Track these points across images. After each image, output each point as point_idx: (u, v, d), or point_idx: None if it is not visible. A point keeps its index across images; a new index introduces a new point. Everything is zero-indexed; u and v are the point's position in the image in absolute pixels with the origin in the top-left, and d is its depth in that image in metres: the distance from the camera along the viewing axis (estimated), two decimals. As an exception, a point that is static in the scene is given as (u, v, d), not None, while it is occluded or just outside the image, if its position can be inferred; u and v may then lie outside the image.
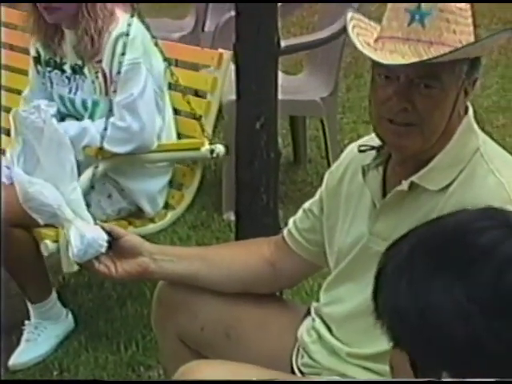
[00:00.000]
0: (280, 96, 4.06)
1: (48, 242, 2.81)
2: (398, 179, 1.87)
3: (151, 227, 3.15)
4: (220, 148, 3.11)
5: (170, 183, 3.22)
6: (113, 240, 2.09)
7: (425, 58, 1.73)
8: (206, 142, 3.10)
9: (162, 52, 3.03)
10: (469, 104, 1.89)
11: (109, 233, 2.09)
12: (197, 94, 3.43)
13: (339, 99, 4.60)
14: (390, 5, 1.82)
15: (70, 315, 3.20)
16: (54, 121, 2.58)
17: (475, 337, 0.99)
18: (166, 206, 3.21)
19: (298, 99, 4.17)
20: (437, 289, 1.02)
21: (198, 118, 3.10)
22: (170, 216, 3.20)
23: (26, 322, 3.14)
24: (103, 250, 2.06)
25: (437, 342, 1.01)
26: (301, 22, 6.45)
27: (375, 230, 1.90)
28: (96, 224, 2.19)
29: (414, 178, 1.83)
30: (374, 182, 1.92)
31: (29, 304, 3.12)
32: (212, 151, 3.09)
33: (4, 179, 3.05)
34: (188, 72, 3.28)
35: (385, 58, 1.76)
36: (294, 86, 4.25)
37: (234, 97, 2.89)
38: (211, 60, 3.18)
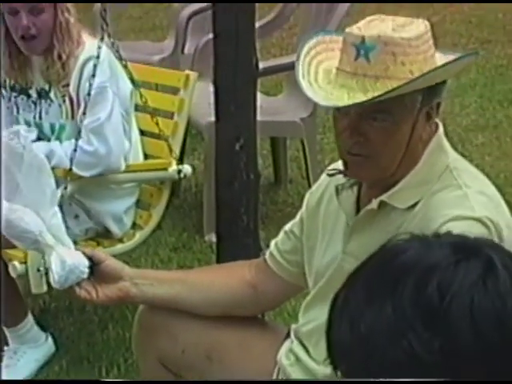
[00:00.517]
0: (260, 117, 4.06)
1: (16, 263, 2.76)
2: (370, 198, 1.89)
3: (120, 247, 3.15)
4: (187, 168, 3.13)
5: (138, 203, 3.24)
6: (94, 265, 2.08)
7: (370, 93, 1.73)
8: (174, 163, 3.11)
9: (130, 74, 3.05)
10: (439, 123, 1.89)
11: (90, 258, 2.09)
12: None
13: (319, 120, 4.61)
14: (342, 38, 1.82)
15: (50, 339, 3.17)
16: (34, 146, 2.58)
17: (413, 353, 1.00)
18: (134, 226, 3.22)
19: (278, 120, 4.19)
20: (370, 317, 1.04)
21: (165, 139, 3.11)
22: (139, 236, 3.20)
23: (5, 347, 3.11)
24: (85, 276, 2.06)
25: (383, 369, 1.02)
26: (280, 43, 6.48)
27: (348, 249, 1.91)
28: (77, 249, 2.18)
29: (383, 197, 1.85)
30: (347, 201, 1.93)
31: (4, 328, 3.09)
32: (179, 171, 3.11)
33: None
34: (155, 93, 3.32)
35: (326, 96, 1.77)
36: (274, 107, 4.26)
37: (213, 118, 2.89)
38: (177, 81, 3.21)
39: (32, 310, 3.21)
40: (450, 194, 1.80)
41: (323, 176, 2.08)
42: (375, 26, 1.78)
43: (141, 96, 3.07)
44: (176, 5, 5.26)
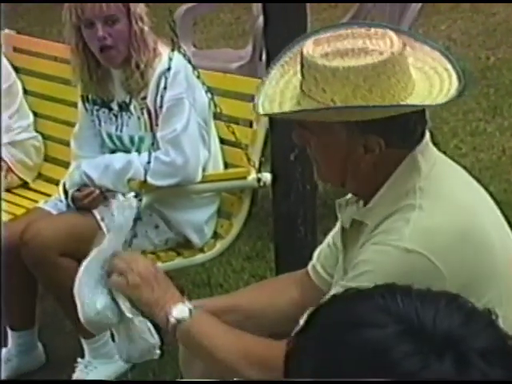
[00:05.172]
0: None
1: None
2: None
3: (200, 257, 3.17)
4: (267, 176, 3.08)
5: (219, 212, 3.23)
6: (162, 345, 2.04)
7: (296, 107, 1.82)
8: (253, 171, 3.09)
9: (204, 84, 3.02)
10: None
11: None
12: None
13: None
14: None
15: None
16: (114, 156, 2.58)
17: None
18: (215, 236, 3.22)
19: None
20: None
21: (243, 148, 3.08)
22: (220, 245, 3.20)
23: (79, 359, 3.15)
24: (156, 357, 2.05)
25: None
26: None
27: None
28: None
29: (355, 216, 1.88)
30: (345, 216, 1.93)
31: (82, 340, 3.12)
32: (259, 180, 3.08)
33: (52, 209, 3.16)
34: (234, 101, 3.27)
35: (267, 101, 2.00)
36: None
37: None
38: (255, 89, 3.15)
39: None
40: (402, 216, 1.76)
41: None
42: (331, 43, 1.78)
43: (215, 106, 3.03)
44: (255, 11, 5.23)
